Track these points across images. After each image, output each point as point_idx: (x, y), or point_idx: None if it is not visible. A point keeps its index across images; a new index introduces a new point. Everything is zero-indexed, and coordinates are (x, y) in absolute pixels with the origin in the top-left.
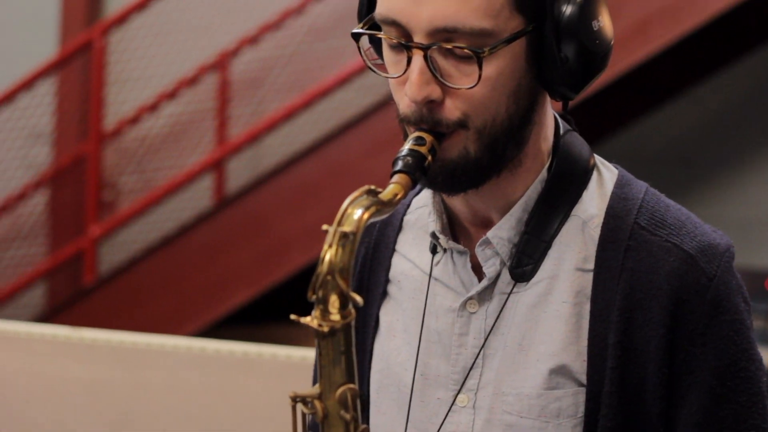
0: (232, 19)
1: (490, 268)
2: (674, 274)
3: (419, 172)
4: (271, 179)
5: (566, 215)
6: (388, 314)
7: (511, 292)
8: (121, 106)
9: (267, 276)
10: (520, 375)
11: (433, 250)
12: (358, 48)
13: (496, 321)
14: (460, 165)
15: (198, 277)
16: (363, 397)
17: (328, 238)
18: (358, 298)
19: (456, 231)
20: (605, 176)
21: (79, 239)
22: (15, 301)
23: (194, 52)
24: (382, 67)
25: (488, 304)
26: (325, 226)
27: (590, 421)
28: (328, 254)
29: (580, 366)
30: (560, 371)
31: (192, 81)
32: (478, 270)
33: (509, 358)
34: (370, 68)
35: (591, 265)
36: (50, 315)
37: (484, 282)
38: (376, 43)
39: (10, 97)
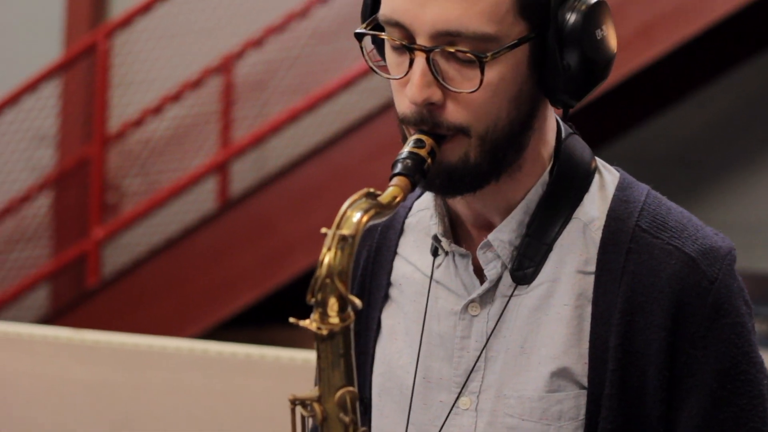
0: (237, 21)
1: (491, 271)
2: (675, 277)
3: (419, 175)
4: (275, 182)
5: (567, 218)
6: (389, 317)
7: (512, 295)
8: (125, 109)
9: (270, 278)
10: (522, 378)
11: (434, 253)
12: (361, 48)
13: (497, 324)
14: (459, 169)
15: (201, 280)
16: (365, 400)
17: (327, 241)
18: (357, 301)
19: (458, 234)
20: (607, 179)
21: (82, 241)
22: (19, 303)
23: (198, 54)
24: (385, 69)
25: (490, 306)
26: (324, 229)
27: (591, 424)
28: (327, 257)
29: (581, 369)
30: (562, 374)
31: (196, 84)
32: (480, 273)
33: (511, 360)
34: (373, 69)
35: (592, 268)
36: (54, 317)
37: (486, 285)
38: (379, 44)
39: (14, 99)
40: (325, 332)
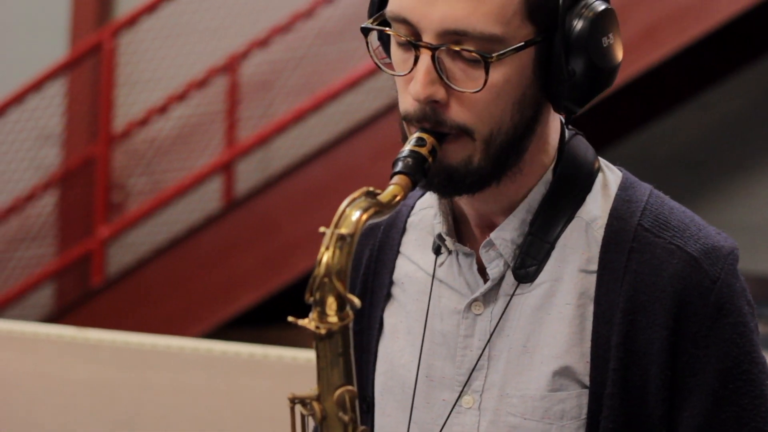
0: (242, 21)
1: (493, 270)
2: (677, 276)
3: (419, 174)
4: (280, 182)
5: (570, 217)
6: (392, 316)
7: (514, 294)
8: (131, 108)
9: (274, 278)
10: (525, 377)
11: (437, 251)
12: (367, 44)
13: (500, 322)
14: (460, 171)
15: (206, 279)
16: (368, 399)
17: (325, 240)
18: (356, 301)
19: (462, 232)
20: (609, 179)
21: (87, 240)
22: (23, 302)
23: (204, 54)
24: (390, 66)
25: (493, 305)
26: (322, 228)
27: (593, 423)
28: (325, 256)
29: (583, 368)
30: (564, 373)
31: (201, 83)
32: (483, 272)
33: (514, 359)
34: (378, 65)
35: (594, 267)
36: (58, 316)
37: (489, 283)
38: (384, 41)
39: (20, 98)
40: (323, 331)
